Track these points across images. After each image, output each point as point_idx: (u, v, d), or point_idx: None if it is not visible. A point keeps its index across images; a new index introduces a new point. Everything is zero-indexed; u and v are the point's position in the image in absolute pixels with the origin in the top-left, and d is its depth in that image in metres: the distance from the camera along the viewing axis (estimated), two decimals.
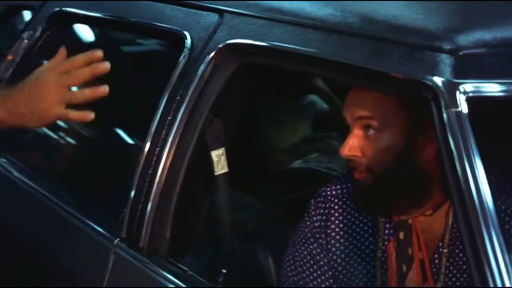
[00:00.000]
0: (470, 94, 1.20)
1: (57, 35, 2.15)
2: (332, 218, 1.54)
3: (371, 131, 1.39)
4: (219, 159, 1.62)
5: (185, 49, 1.65)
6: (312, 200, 1.59)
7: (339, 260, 1.52)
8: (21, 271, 1.91)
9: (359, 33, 1.36)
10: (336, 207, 1.55)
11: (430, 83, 1.22)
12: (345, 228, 1.53)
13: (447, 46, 1.24)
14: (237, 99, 1.68)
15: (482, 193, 1.11)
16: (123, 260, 1.58)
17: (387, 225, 1.49)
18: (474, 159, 1.14)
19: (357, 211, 1.53)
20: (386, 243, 1.48)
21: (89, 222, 1.71)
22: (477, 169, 1.13)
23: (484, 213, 1.10)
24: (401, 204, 1.43)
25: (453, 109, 1.19)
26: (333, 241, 1.53)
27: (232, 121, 1.68)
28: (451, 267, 1.42)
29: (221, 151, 1.62)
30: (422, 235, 1.44)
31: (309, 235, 1.56)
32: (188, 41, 1.66)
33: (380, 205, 1.44)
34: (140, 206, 1.57)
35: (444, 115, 1.19)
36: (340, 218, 1.54)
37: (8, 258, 1.95)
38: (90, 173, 1.96)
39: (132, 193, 1.59)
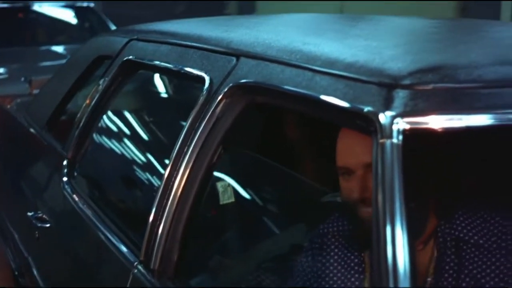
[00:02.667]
0: (407, 127, 1.25)
1: (127, 81, 2.40)
2: (324, 253, 1.63)
3: None
4: (225, 189, 1.74)
5: (204, 90, 1.81)
6: (310, 235, 1.68)
7: None
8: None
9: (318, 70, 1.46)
10: (329, 243, 1.64)
11: (371, 116, 1.29)
12: (335, 264, 1.61)
13: (388, 80, 1.31)
14: (247, 134, 1.80)
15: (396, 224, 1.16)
16: (138, 279, 1.75)
17: None
18: (396, 192, 1.19)
19: (347, 248, 1.60)
20: None
21: (120, 245, 1.91)
22: (397, 200, 1.18)
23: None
24: None
25: (388, 140, 1.24)
26: (323, 275, 1.61)
27: (243, 153, 1.81)
28: None
29: (227, 182, 1.75)
30: None
31: (304, 267, 1.65)
32: (207, 83, 1.82)
33: None
34: (155, 231, 1.74)
35: (379, 146, 1.25)
36: (331, 254, 1.62)
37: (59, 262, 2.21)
38: (124, 202, 2.16)
39: (150, 219, 1.76)
